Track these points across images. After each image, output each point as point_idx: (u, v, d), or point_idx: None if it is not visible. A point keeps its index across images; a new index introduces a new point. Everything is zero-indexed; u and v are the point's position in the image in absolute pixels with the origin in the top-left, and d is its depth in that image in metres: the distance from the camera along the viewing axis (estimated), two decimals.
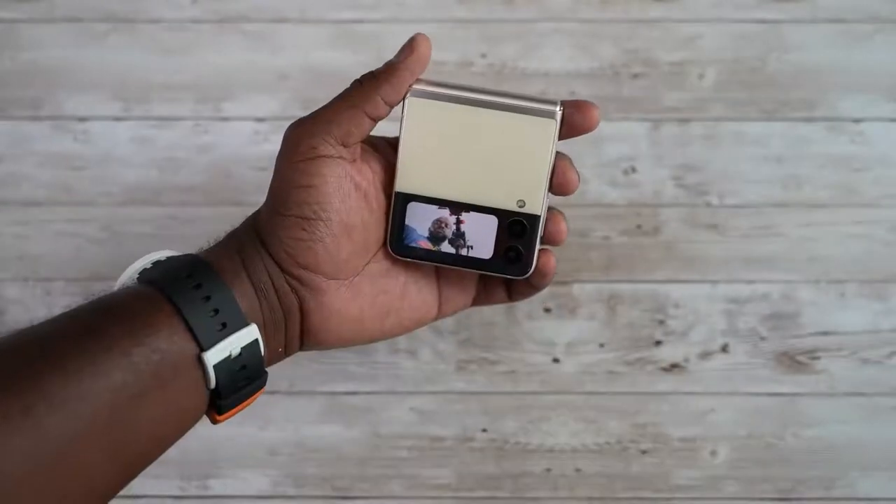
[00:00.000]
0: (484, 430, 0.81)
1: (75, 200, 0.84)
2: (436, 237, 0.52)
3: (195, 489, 0.80)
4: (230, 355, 0.46)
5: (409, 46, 0.49)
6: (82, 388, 0.41)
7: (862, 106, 0.84)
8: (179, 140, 0.84)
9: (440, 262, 0.52)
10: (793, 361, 0.82)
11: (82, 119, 0.84)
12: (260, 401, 0.82)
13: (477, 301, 0.56)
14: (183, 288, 0.45)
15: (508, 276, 0.52)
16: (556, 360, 0.82)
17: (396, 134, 0.51)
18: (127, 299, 0.46)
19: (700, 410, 0.81)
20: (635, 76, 0.84)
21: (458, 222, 0.51)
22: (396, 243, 0.52)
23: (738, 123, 0.84)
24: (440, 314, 0.55)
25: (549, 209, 0.52)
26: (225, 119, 0.84)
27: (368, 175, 0.50)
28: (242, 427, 0.81)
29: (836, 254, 0.82)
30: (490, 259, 0.52)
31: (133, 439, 0.43)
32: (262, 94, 0.84)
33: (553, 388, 0.81)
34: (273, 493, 0.80)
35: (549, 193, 0.51)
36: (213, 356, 0.45)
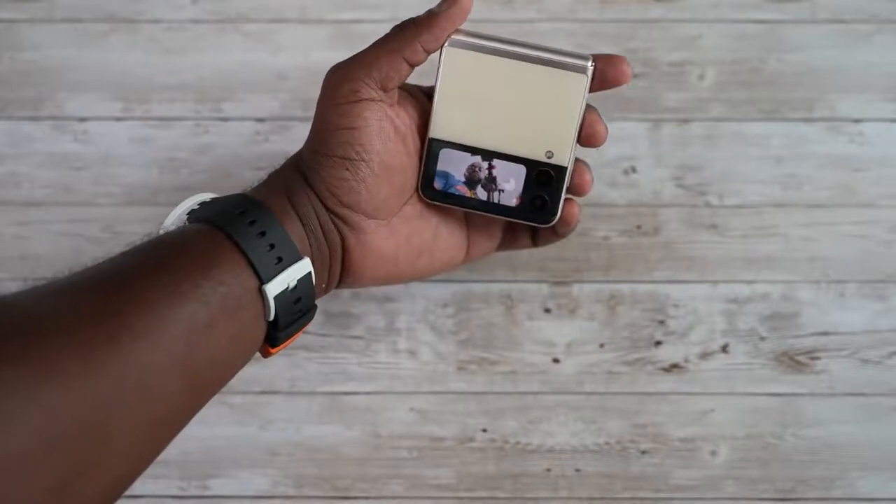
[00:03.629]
0: (484, 430, 0.81)
1: (75, 200, 0.84)
2: (466, 183, 0.53)
3: (195, 489, 0.80)
4: (287, 287, 0.48)
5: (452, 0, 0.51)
6: (160, 318, 0.42)
7: (862, 106, 0.84)
8: (179, 140, 0.84)
9: (468, 208, 0.54)
10: (793, 361, 0.82)
11: (82, 119, 0.84)
12: (260, 401, 0.82)
13: (502, 245, 0.59)
14: (239, 224, 0.48)
15: (534, 224, 0.55)
16: (556, 361, 0.82)
17: (432, 83, 0.53)
18: (190, 236, 0.48)
19: (700, 410, 0.81)
20: (635, 76, 0.84)
21: (490, 168, 0.53)
22: (428, 188, 0.54)
23: (738, 123, 0.84)
24: (468, 257, 0.58)
25: (576, 161, 0.54)
26: (225, 119, 0.84)
27: (406, 119, 0.52)
28: (242, 427, 0.81)
29: (836, 254, 0.82)
30: (517, 206, 0.54)
31: (205, 367, 0.45)
32: (262, 94, 0.84)
33: (553, 388, 0.81)
34: (273, 493, 0.80)
35: (577, 146, 0.54)
36: (272, 288, 0.47)
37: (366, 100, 0.50)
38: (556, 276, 0.82)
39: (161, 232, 0.51)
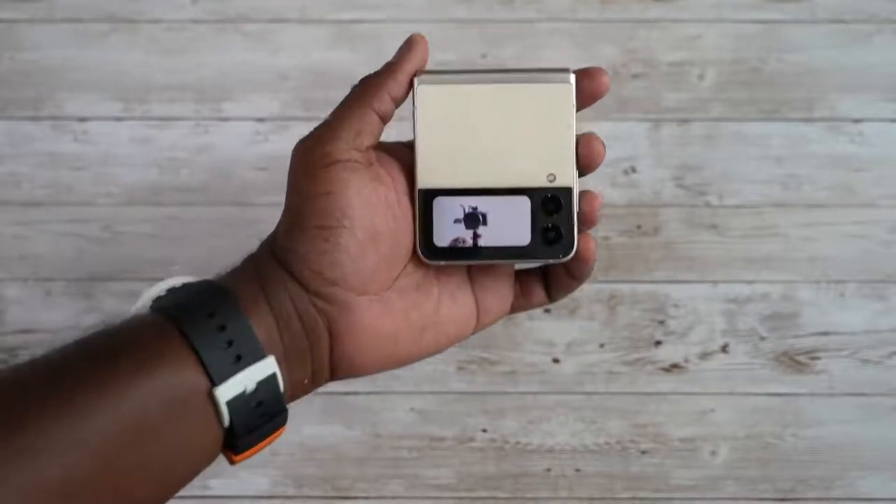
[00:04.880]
0: (484, 430, 0.81)
1: (75, 200, 0.84)
2: (468, 231, 0.48)
3: (195, 489, 0.80)
4: (245, 391, 0.43)
5: (407, 44, 0.48)
6: (88, 422, 0.39)
7: (862, 106, 0.84)
8: (179, 140, 0.84)
9: (477, 260, 0.49)
10: (793, 361, 0.82)
11: (82, 119, 0.84)
12: None
13: (516, 306, 0.53)
14: (196, 317, 0.43)
15: (552, 261, 0.49)
16: (556, 361, 0.82)
17: (411, 136, 0.49)
18: (136, 329, 0.44)
19: (700, 410, 0.81)
20: (635, 76, 0.84)
21: (492, 207, 0.48)
22: (428, 247, 0.48)
23: (737, 123, 0.84)
24: (479, 325, 0.52)
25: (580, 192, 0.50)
26: (225, 119, 0.84)
27: (388, 180, 0.48)
28: None
29: (836, 254, 0.82)
30: (529, 245, 0.49)
31: (141, 478, 0.41)
32: (262, 94, 0.84)
33: (553, 388, 0.81)
34: (273, 493, 0.80)
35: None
36: (225, 391, 0.42)
37: (340, 161, 0.46)
38: None
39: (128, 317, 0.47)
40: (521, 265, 0.51)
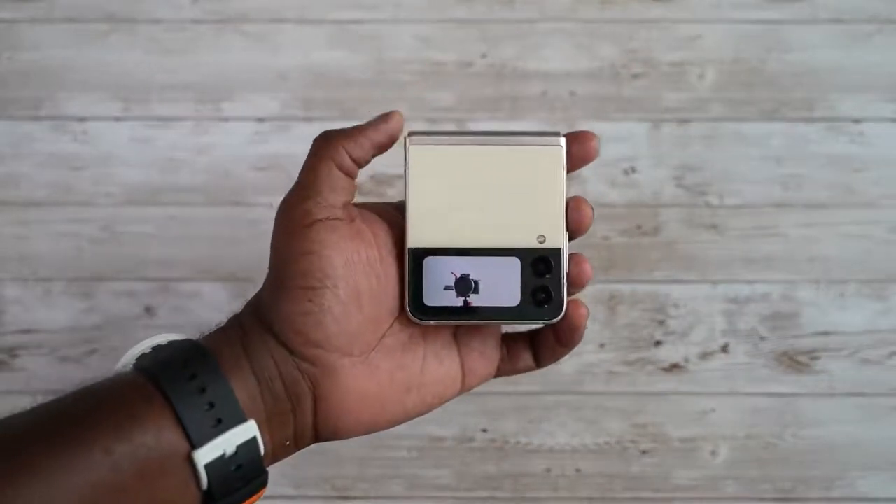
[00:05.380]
0: (484, 430, 0.81)
1: (75, 200, 0.84)
2: (458, 291, 0.48)
3: None
4: (224, 454, 0.42)
5: (383, 116, 0.47)
6: (55, 487, 0.39)
7: (862, 106, 0.84)
8: (179, 140, 0.84)
9: (466, 319, 0.49)
10: (793, 361, 0.82)
11: (82, 119, 0.84)
12: None
13: (502, 369, 0.52)
14: (177, 378, 0.42)
15: (540, 323, 0.49)
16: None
17: (404, 191, 0.49)
18: (115, 388, 0.43)
19: (700, 410, 0.81)
20: (635, 76, 0.84)
21: (479, 273, 0.49)
22: (417, 306, 0.48)
23: (738, 123, 0.84)
24: (464, 387, 0.51)
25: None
26: (225, 119, 0.84)
27: (370, 238, 0.47)
28: None
29: (836, 254, 0.82)
30: (518, 306, 0.49)
31: None
32: (262, 94, 0.84)
33: (553, 388, 0.81)
34: (273, 492, 0.80)
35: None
36: (204, 455, 0.42)
37: (320, 220, 0.45)
38: None
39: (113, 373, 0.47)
40: (509, 327, 0.51)
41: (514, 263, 0.49)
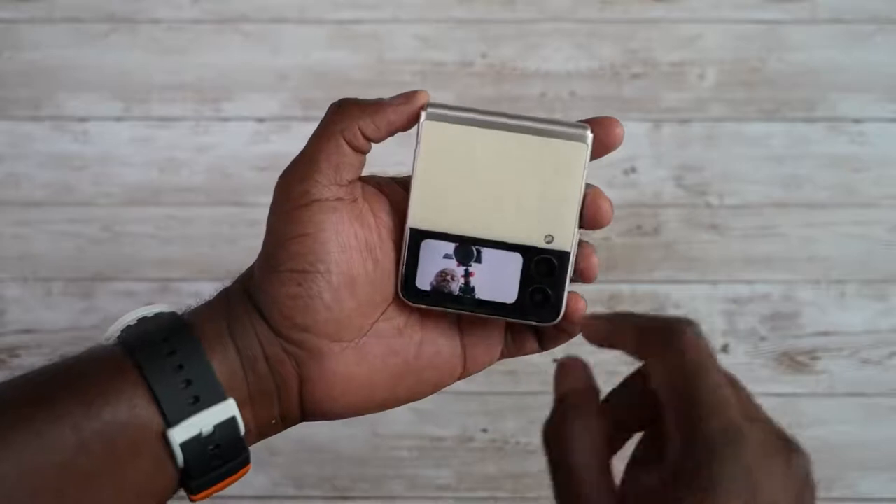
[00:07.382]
0: (484, 430, 0.81)
1: (75, 200, 0.84)
2: (453, 280, 0.46)
3: None
4: (200, 433, 0.40)
5: (406, 96, 0.45)
6: (24, 464, 0.37)
7: (862, 106, 0.84)
8: (179, 140, 0.84)
9: (457, 309, 0.46)
10: (793, 361, 0.82)
11: (82, 119, 0.84)
12: None
13: (505, 353, 0.50)
14: (154, 354, 0.41)
15: (533, 323, 0.47)
16: (556, 361, 0.82)
17: (411, 167, 0.47)
18: (88, 363, 0.41)
19: None
20: (635, 76, 0.84)
21: (480, 259, 0.46)
22: (409, 289, 0.46)
23: (738, 123, 0.84)
24: (464, 373, 0.49)
25: (579, 242, 0.47)
26: (225, 119, 0.84)
27: (370, 220, 0.45)
28: None
29: (836, 254, 0.82)
30: (514, 303, 0.46)
31: None
32: (262, 94, 0.84)
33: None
34: (273, 493, 0.80)
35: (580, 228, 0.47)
36: (179, 433, 0.40)
37: (317, 201, 0.43)
38: None
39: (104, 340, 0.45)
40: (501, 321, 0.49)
41: (517, 260, 0.46)
